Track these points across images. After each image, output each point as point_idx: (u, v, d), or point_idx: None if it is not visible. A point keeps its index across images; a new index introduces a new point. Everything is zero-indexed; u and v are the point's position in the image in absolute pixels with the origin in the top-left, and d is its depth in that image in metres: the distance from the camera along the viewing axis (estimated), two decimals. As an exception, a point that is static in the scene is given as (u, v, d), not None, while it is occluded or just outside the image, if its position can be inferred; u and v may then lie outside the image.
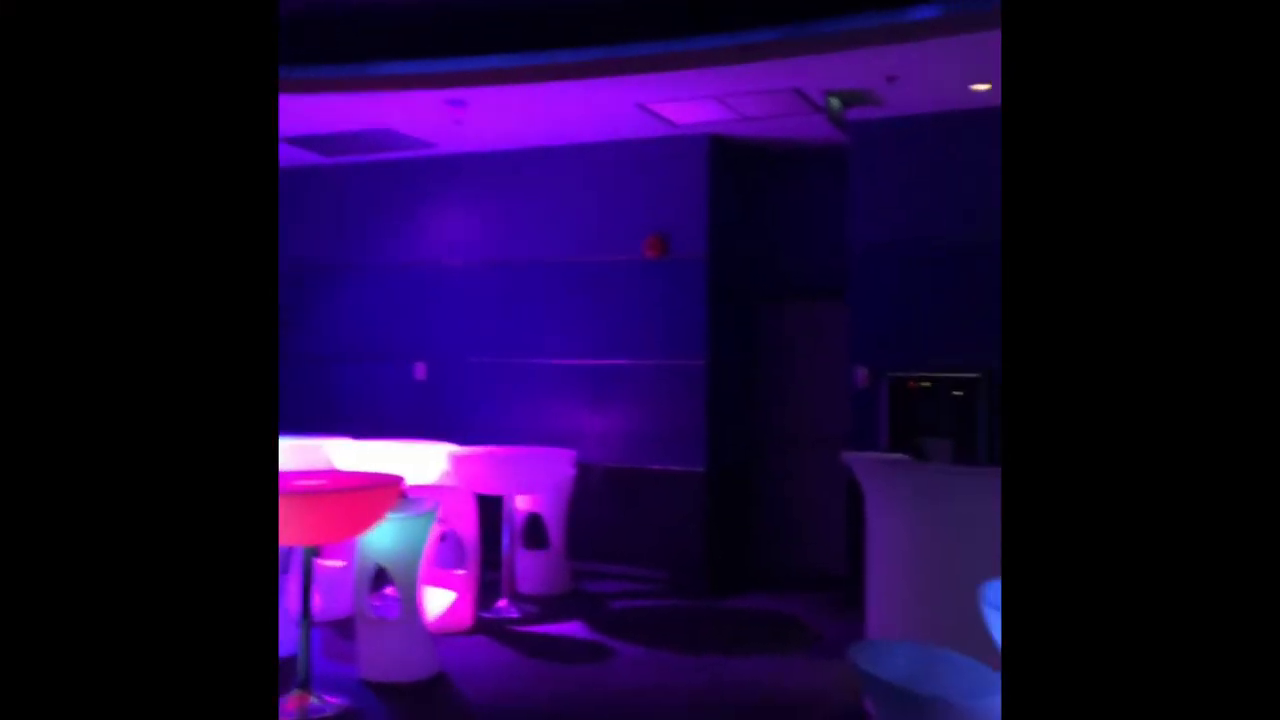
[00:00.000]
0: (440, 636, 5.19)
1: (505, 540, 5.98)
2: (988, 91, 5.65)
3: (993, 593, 2.44)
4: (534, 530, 6.55)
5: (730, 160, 6.98)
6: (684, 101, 5.98)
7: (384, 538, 4.55)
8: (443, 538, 5.63)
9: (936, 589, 3.85)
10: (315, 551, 4.65)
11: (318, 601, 5.26)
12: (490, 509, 6.02)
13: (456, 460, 5.91)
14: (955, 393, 5.93)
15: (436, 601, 5.40)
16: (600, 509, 6.94)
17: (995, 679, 2.57)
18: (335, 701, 4.22)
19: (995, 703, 2.48)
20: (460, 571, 5.57)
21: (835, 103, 5.70)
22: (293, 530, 3.89)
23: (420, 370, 7.58)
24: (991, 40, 4.66)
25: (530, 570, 6.40)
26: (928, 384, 5.98)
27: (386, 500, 4.20)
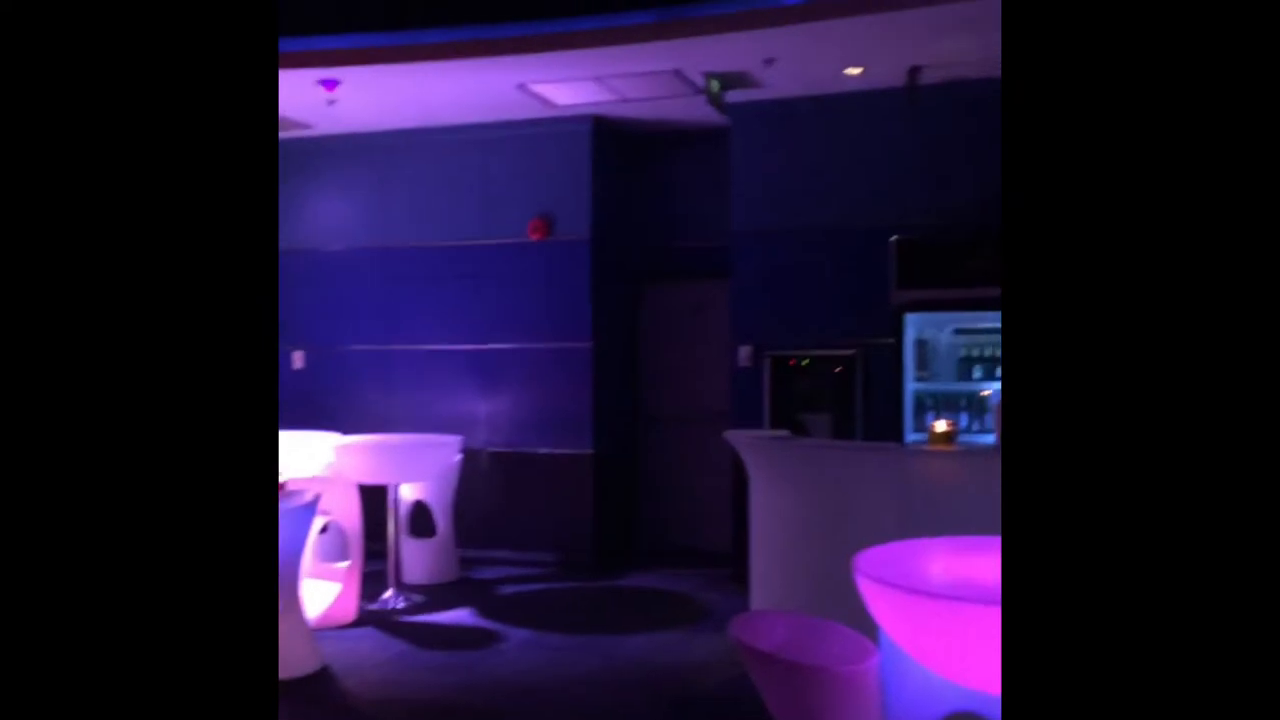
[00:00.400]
0: (324, 631, 5.07)
1: (390, 530, 5.87)
2: (860, 75, 5.80)
3: (865, 562, 2.52)
4: (420, 518, 6.45)
5: (614, 141, 6.98)
6: (564, 83, 5.94)
7: (261, 532, 4.39)
8: (324, 530, 5.49)
9: (816, 560, 3.96)
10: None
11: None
12: (374, 498, 5.90)
13: (338, 450, 5.77)
14: (836, 369, 6.10)
15: (319, 595, 5.27)
16: (488, 494, 6.89)
17: (870, 646, 2.67)
18: (212, 703, 4.07)
19: (868, 668, 2.58)
20: (343, 564, 5.45)
21: (714, 85, 5.75)
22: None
23: (298, 359, 7.35)
24: (861, 25, 4.78)
25: (417, 559, 6.31)
26: (807, 361, 6.13)
27: (262, 493, 4.06)
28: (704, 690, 4.40)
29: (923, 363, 5.95)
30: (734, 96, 6.10)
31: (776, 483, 4.26)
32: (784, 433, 5.18)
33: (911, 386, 5.89)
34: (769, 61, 5.44)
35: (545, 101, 6.34)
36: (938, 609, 2.35)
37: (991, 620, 2.25)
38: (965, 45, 5.30)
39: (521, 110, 6.55)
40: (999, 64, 5.71)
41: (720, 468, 6.54)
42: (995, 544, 2.95)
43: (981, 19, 4.92)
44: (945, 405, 5.76)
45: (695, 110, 6.43)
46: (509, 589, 6.23)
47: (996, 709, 2.71)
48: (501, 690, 4.38)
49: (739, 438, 4.58)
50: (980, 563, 2.80)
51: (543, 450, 6.84)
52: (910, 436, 5.75)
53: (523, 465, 6.87)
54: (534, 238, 6.82)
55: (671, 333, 7.33)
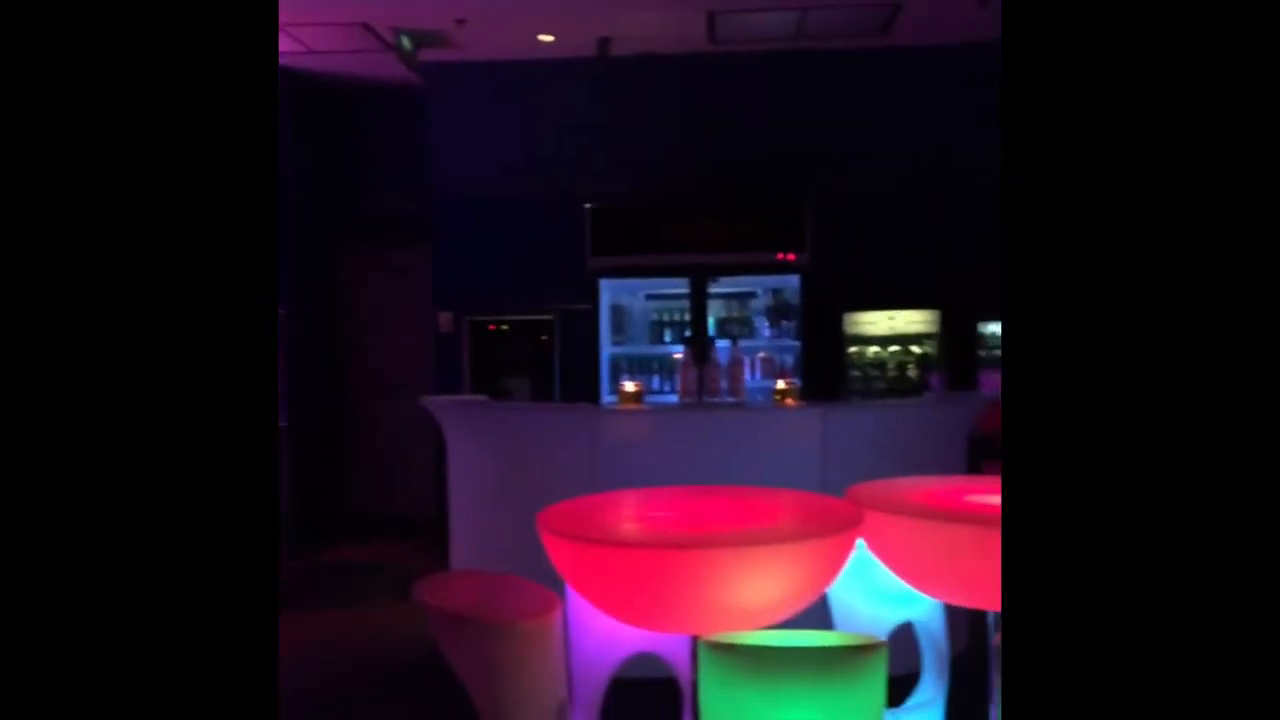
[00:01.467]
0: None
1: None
2: (554, 43, 5.87)
3: (548, 517, 2.59)
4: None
5: (304, 96, 6.59)
6: (242, 29, 5.53)
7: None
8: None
9: (511, 520, 4.02)
10: None
11: None
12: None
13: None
14: (542, 337, 6.19)
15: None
16: (168, 474, 6.37)
17: (554, 599, 2.76)
18: None
19: (550, 620, 2.66)
20: None
21: (406, 42, 5.59)
22: None
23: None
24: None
25: (84, 548, 5.73)
26: (507, 326, 6.18)
27: None
28: (405, 660, 4.36)
29: (618, 327, 6.19)
30: (430, 55, 5.97)
31: (473, 446, 4.27)
32: (482, 397, 5.20)
33: (608, 350, 6.10)
34: (460, 22, 5.37)
35: (223, 48, 5.87)
36: (612, 556, 2.47)
37: (665, 563, 2.40)
38: (651, 19, 5.51)
39: (196, 56, 6.02)
40: (688, 39, 5.98)
41: (424, 435, 6.45)
42: (673, 494, 3.14)
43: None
44: (639, 368, 6.02)
45: (390, 67, 6.23)
46: (194, 573, 5.82)
47: (671, 649, 2.91)
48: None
49: (435, 403, 4.53)
50: (659, 510, 2.98)
51: (231, 424, 6.41)
52: (607, 398, 5.97)
53: (208, 441, 6.41)
54: (215, 196, 6.33)
55: (373, 298, 7.10)
